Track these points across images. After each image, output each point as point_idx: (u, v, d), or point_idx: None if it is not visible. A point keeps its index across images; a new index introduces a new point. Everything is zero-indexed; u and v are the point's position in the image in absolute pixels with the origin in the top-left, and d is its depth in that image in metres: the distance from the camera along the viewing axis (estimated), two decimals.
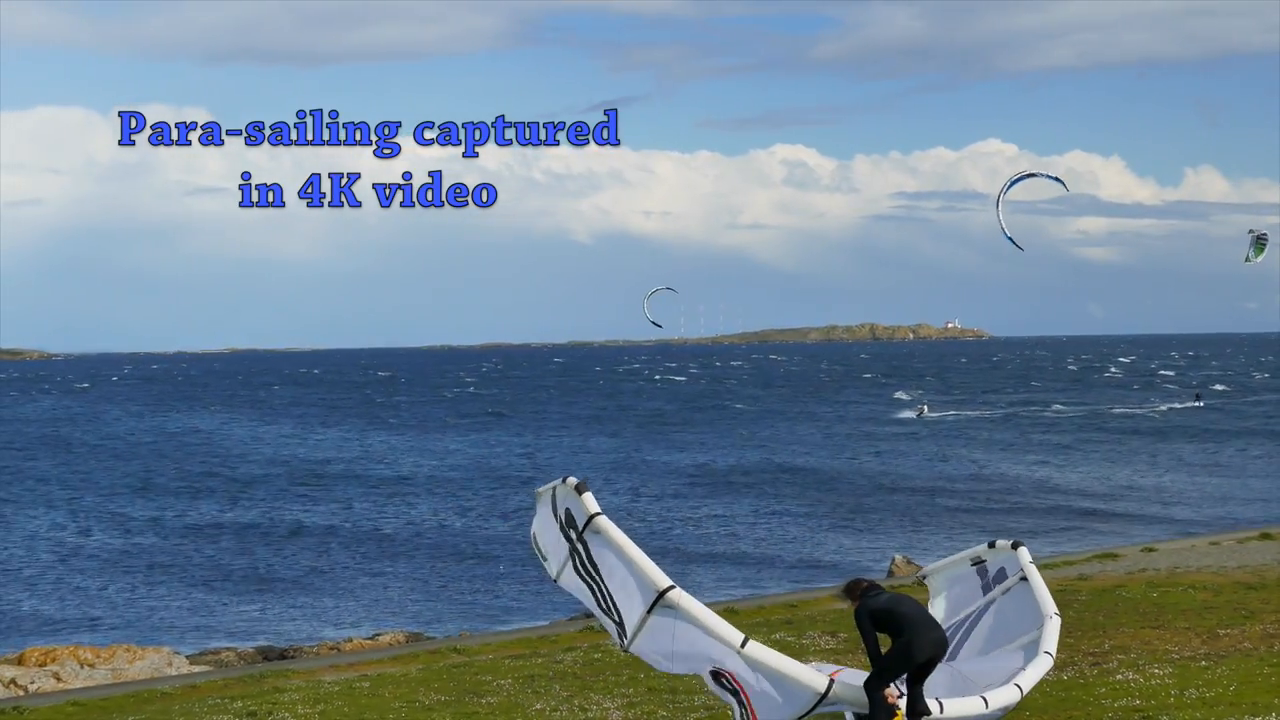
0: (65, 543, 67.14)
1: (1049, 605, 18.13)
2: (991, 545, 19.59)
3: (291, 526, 71.36)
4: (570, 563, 16.84)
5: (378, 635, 42.86)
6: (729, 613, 34.60)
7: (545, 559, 17.46)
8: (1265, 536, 49.60)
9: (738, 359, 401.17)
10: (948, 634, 18.19)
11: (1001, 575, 19.19)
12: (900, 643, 16.15)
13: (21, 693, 34.78)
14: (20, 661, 37.60)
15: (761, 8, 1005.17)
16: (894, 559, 50.52)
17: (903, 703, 16.25)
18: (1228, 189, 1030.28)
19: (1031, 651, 17.45)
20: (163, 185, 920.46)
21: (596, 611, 16.77)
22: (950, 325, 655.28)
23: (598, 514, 16.38)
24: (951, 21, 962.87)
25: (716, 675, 16.03)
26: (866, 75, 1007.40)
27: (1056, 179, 33.09)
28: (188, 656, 39.87)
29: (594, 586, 16.61)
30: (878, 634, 16.32)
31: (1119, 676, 24.04)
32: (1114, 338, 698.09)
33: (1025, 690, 16.68)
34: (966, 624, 19.08)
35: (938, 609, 19.65)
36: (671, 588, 15.84)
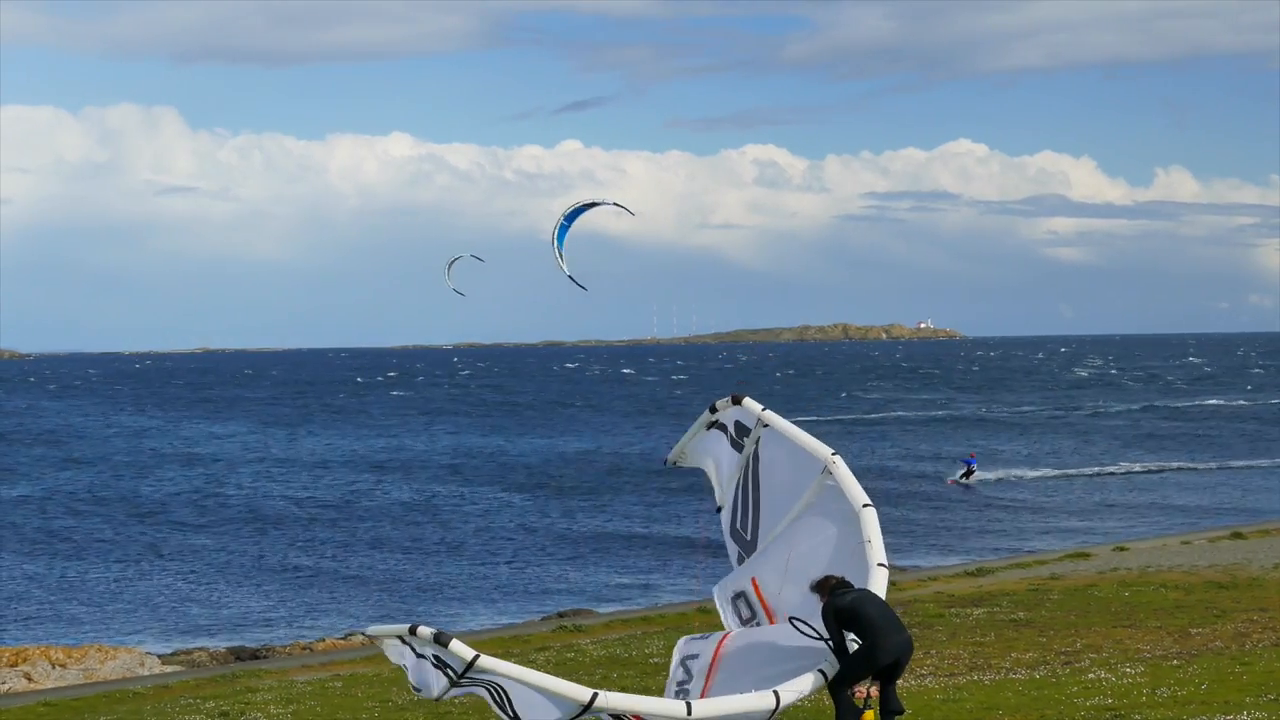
0: (33, 540, 66.92)
1: (857, 494, 17.49)
2: (713, 409, 19.12)
3: (260, 526, 71.22)
4: (454, 688, 15.58)
5: (350, 635, 42.81)
6: (702, 613, 34.62)
7: (417, 684, 16.05)
8: (1236, 535, 49.90)
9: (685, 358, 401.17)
10: (733, 505, 18.18)
11: (743, 428, 18.76)
12: (864, 646, 16.22)
13: None
14: None
15: (731, 8, 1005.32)
16: None
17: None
18: (1198, 190, 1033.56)
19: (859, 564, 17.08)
20: (132, 184, 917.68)
21: (492, 708, 15.55)
22: (923, 325, 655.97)
23: (476, 657, 15.12)
24: (922, 22, 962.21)
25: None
26: (837, 75, 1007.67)
27: (621, 205, 31.78)
28: (160, 656, 39.80)
29: (493, 695, 15.40)
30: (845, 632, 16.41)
31: (1091, 675, 24.09)
32: (1082, 338, 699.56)
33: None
34: (745, 490, 18.62)
35: (712, 476, 19.15)
36: (595, 695, 14.75)
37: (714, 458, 18.39)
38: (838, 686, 16.18)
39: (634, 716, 14.88)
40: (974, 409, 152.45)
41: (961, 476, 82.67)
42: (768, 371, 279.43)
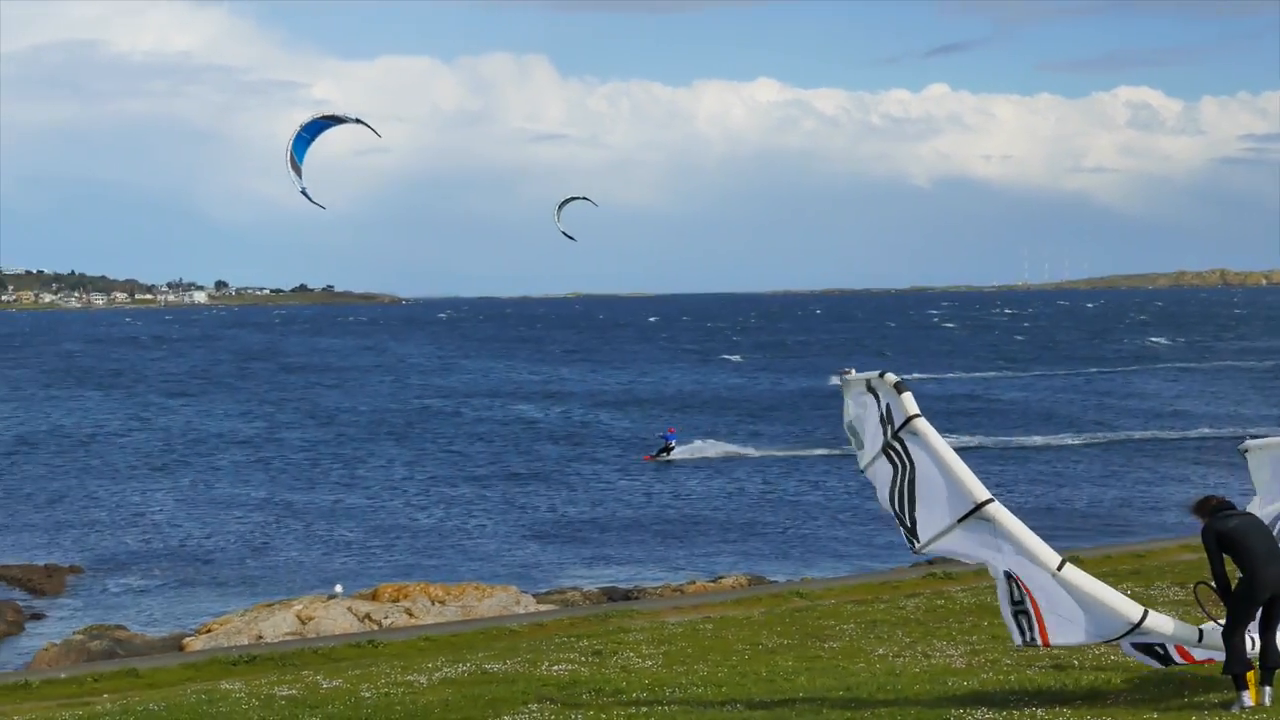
0: (409, 488, 69.13)
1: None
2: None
3: (629, 470, 72.32)
4: (882, 456, 16.67)
5: (720, 578, 43.16)
6: (1074, 561, 33.90)
7: (861, 446, 17.21)
8: None
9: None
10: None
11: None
12: (1243, 580, 15.56)
13: (376, 627, 35.95)
14: (374, 597, 38.87)
15: None
16: None
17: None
18: None
19: None
20: (504, 133, 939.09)
21: (885, 505, 16.63)
22: None
23: (916, 415, 16.14)
24: None
25: (1009, 577, 15.82)
26: (1213, 13, 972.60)
27: (365, 124, 30.22)
28: (534, 596, 40.69)
29: (897, 483, 16.45)
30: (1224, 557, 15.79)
31: None
32: None
33: None
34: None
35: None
36: (990, 500, 15.61)
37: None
38: (1229, 631, 15.59)
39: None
40: None
41: (660, 453, 76.82)
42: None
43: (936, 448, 16.02)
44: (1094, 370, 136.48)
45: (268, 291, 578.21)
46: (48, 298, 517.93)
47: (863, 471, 17.03)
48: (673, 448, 76.69)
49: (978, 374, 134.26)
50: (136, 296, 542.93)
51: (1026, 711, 16.57)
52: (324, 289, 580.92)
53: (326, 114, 29.70)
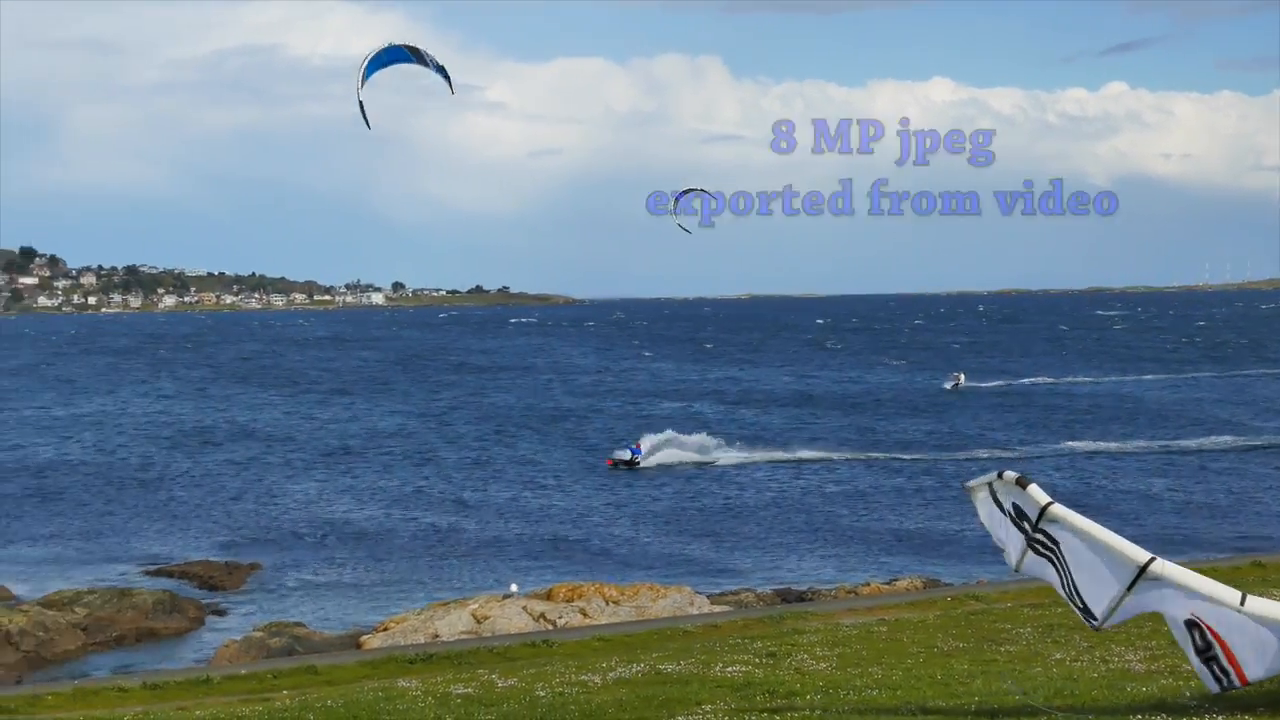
0: (578, 488, 69.46)
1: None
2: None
3: (802, 471, 72.14)
4: (1030, 551, 16.49)
5: (895, 580, 42.91)
6: (1257, 568, 33.24)
7: (1003, 549, 17.07)
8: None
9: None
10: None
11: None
12: None
13: (550, 627, 36.18)
14: (549, 597, 39.12)
15: None
16: None
17: None
18: None
19: None
20: (678, 133, 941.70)
21: (1060, 593, 16.43)
22: None
23: (1049, 504, 15.92)
24: None
25: (1190, 625, 15.43)
26: None
27: (444, 76, 29.23)
28: (708, 596, 40.70)
29: (1059, 573, 16.26)
30: None
31: None
32: None
33: None
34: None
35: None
36: (1152, 559, 15.32)
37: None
38: None
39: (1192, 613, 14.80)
40: None
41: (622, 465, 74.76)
42: None
43: (1079, 525, 15.74)
44: (1257, 373, 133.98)
45: (444, 293, 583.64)
46: (229, 299, 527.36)
47: (1016, 570, 16.80)
48: (637, 462, 75.42)
49: (1140, 376, 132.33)
50: (315, 298, 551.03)
51: (1207, 718, 16.27)
52: (499, 290, 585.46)
53: (411, 46, 29.96)
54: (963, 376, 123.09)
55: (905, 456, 77.38)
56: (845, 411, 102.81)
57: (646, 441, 77.23)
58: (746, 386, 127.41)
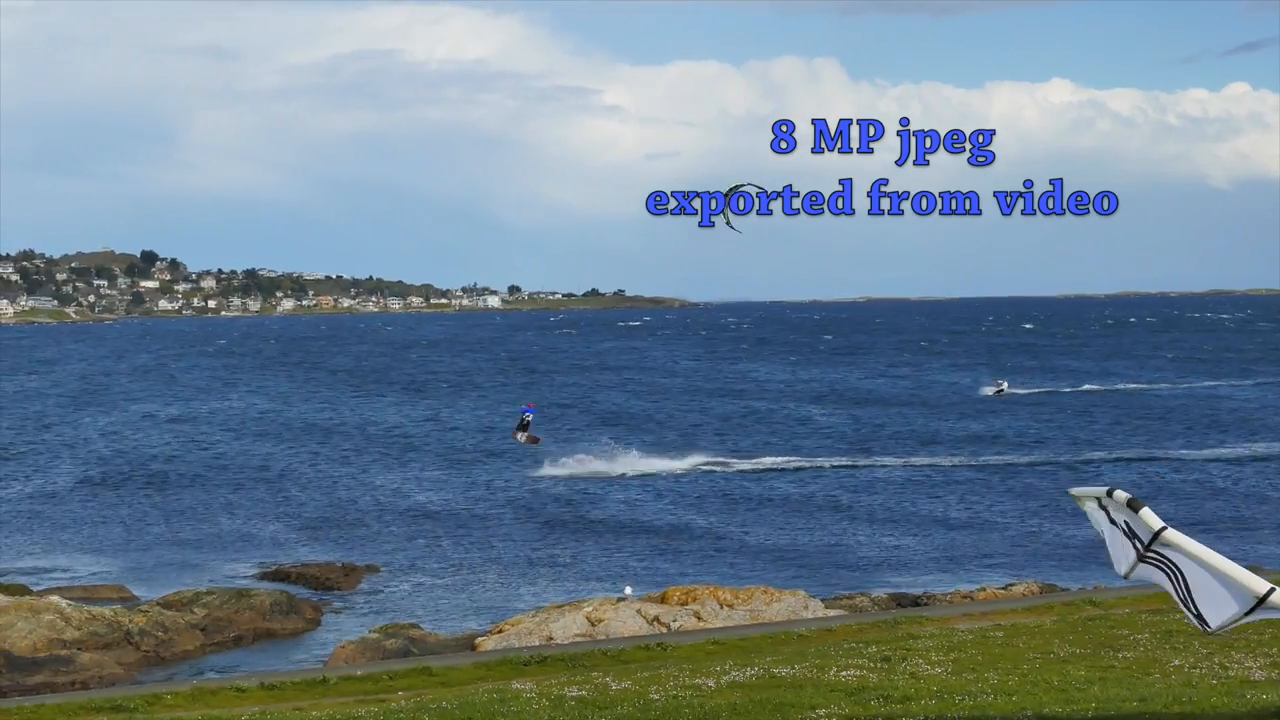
0: (690, 490, 69.47)
1: None
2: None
3: (914, 475, 71.78)
4: (1141, 565, 16.28)
5: (1011, 585, 42.58)
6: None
7: (1113, 559, 16.83)
8: None
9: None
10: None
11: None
12: None
13: (664, 630, 36.20)
14: (663, 600, 39.15)
15: None
16: None
17: None
18: None
19: None
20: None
21: (1174, 599, 16.24)
22: None
23: (1164, 529, 15.67)
24: None
25: None
26: None
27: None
28: (823, 601, 40.58)
29: (1173, 584, 16.05)
30: None
31: None
32: None
33: None
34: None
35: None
36: (1272, 590, 15.12)
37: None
38: None
39: None
40: None
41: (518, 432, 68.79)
42: None
43: (1196, 553, 15.50)
44: None
45: (559, 295, 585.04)
46: (346, 302, 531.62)
47: (1126, 577, 16.57)
48: (528, 420, 69.82)
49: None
50: (432, 301, 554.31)
51: None
52: (615, 293, 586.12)
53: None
54: (1005, 384, 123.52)
55: (1021, 461, 76.74)
56: (958, 416, 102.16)
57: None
58: (852, 386, 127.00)
